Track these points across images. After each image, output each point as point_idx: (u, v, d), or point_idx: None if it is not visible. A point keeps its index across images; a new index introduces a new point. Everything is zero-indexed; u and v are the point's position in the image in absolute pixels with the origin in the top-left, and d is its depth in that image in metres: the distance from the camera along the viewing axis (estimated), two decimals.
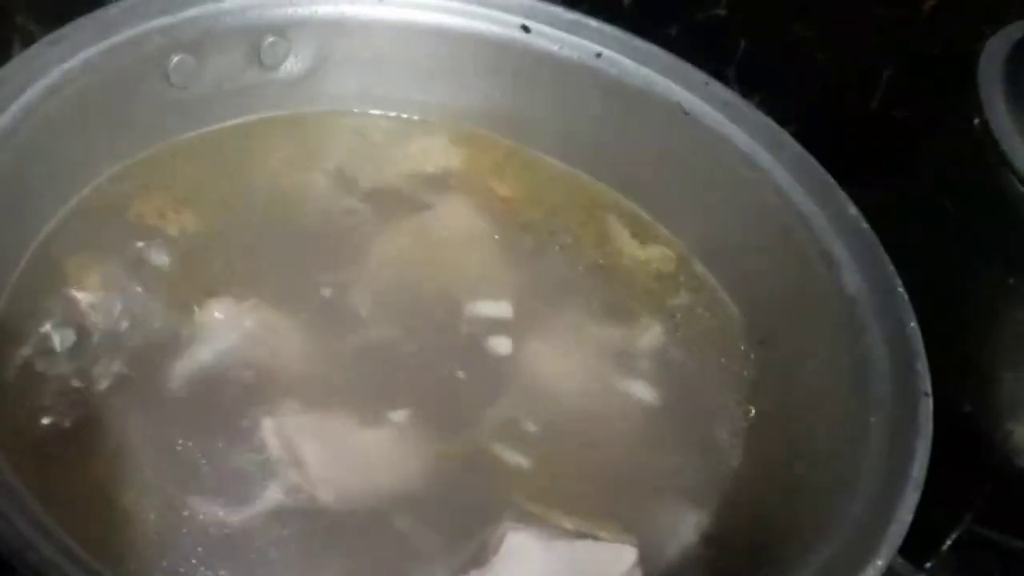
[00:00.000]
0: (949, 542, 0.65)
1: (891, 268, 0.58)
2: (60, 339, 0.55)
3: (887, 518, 0.48)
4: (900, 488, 0.49)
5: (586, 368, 0.61)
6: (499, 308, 0.62)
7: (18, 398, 0.52)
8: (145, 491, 0.50)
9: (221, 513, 0.51)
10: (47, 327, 0.55)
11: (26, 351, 0.54)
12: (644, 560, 0.52)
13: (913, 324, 0.56)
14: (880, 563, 0.47)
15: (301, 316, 0.59)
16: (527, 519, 0.53)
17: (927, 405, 0.52)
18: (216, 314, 0.57)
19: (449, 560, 0.51)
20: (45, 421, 0.51)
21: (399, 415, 0.56)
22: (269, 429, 0.53)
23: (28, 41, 0.58)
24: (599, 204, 0.68)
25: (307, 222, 0.64)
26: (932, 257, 0.64)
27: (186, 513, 0.50)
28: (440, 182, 0.68)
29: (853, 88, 0.83)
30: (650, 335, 0.63)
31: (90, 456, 0.51)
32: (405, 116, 0.70)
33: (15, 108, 0.55)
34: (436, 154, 0.69)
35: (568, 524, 0.53)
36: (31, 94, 0.55)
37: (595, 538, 0.53)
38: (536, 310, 0.63)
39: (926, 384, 0.53)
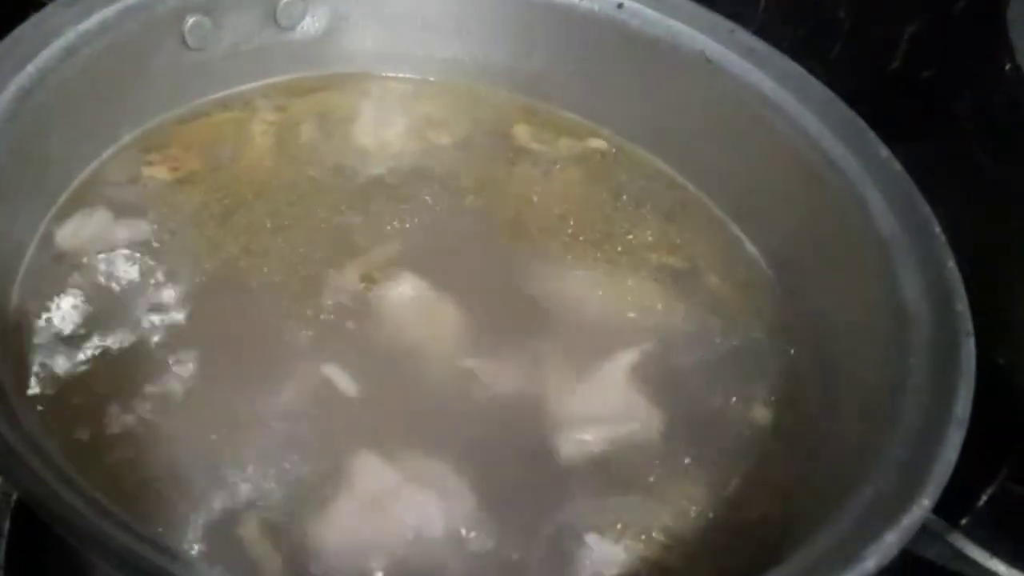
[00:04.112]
0: (983, 499, 0.64)
1: (927, 209, 0.57)
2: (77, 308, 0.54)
3: (931, 457, 0.47)
4: (943, 427, 0.48)
5: None
6: None
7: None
8: None
9: None
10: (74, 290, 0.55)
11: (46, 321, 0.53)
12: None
13: (951, 265, 0.54)
14: (926, 502, 0.45)
15: None
16: None
17: (969, 345, 0.51)
18: None
19: None
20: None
21: None
22: None
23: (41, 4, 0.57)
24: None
25: (336, 195, 0.63)
26: (965, 210, 0.61)
27: None
28: (463, 143, 0.67)
29: (876, 46, 0.81)
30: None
31: None
32: (422, 77, 0.69)
33: (31, 69, 0.54)
34: (456, 113, 0.68)
35: None
36: (47, 55, 0.55)
37: None
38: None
39: (967, 324, 0.52)
